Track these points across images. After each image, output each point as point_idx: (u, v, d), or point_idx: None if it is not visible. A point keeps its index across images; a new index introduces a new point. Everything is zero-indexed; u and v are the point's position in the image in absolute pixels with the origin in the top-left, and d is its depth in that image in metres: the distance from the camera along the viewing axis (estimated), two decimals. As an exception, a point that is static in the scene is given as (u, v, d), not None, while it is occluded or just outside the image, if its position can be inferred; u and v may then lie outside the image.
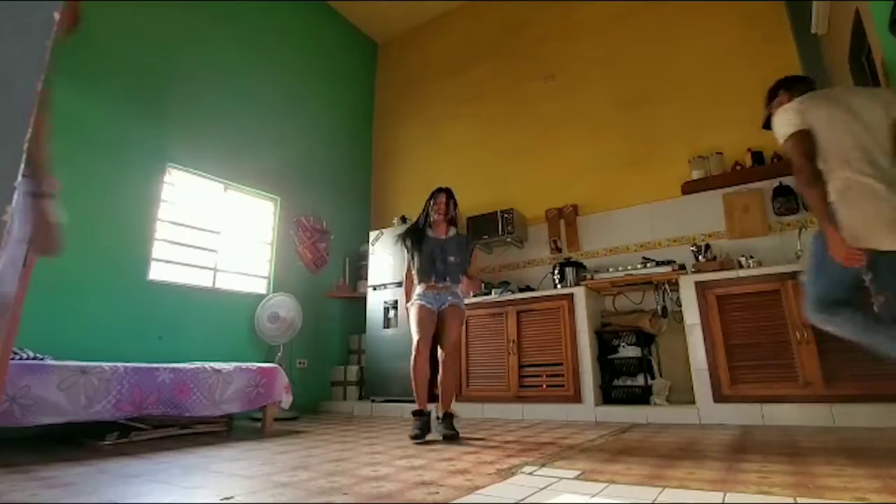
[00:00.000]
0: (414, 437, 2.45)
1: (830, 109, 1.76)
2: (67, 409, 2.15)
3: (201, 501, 1.35)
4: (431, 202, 2.93)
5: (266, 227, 4.50)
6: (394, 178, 5.55)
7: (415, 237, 2.89)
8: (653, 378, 3.31)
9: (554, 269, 3.89)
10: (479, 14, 5.41)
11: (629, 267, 3.53)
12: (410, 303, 2.80)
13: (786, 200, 3.34)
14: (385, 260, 4.42)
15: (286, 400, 3.11)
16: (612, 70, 4.34)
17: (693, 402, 2.91)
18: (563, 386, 3.31)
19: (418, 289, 2.80)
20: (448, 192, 2.96)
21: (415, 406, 2.62)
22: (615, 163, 4.10)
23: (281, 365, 3.40)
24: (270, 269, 4.40)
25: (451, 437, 2.45)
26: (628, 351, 3.31)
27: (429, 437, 2.48)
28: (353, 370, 4.51)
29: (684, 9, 4.09)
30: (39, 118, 2.01)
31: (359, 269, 4.97)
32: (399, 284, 4.22)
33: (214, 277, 3.94)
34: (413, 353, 2.62)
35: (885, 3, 1.65)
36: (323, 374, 4.58)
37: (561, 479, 1.51)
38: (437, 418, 2.61)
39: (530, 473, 1.61)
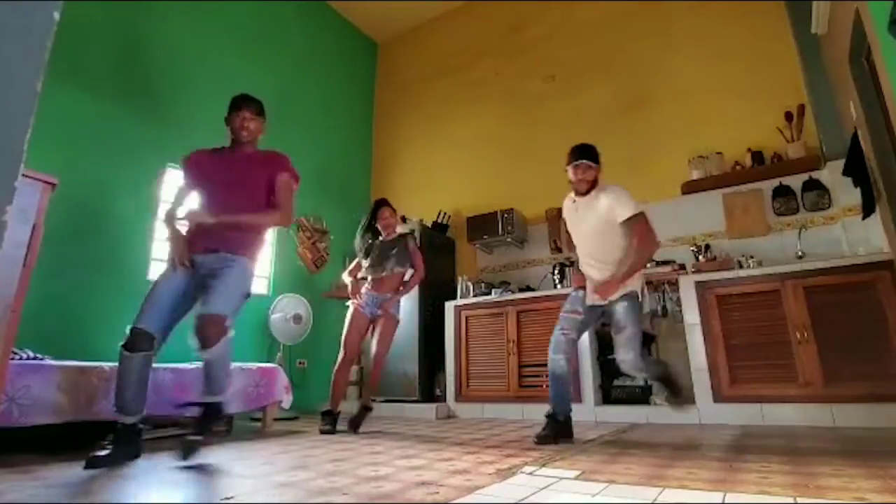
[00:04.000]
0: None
1: None
2: (67, 409, 2.15)
3: (201, 502, 1.35)
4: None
5: (266, 227, 4.50)
6: (394, 177, 5.55)
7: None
8: (653, 378, 3.31)
9: (554, 269, 3.89)
10: (479, 14, 5.41)
11: (629, 267, 3.53)
12: None
13: (786, 200, 3.35)
14: (385, 260, 4.41)
15: (286, 400, 3.11)
16: (612, 70, 4.34)
17: (693, 402, 2.91)
18: (563, 386, 3.30)
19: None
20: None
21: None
22: (615, 162, 4.07)
23: (281, 365, 3.40)
24: (270, 270, 4.40)
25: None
26: (628, 351, 3.31)
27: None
28: (353, 370, 4.50)
29: (684, 9, 4.09)
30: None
31: (359, 269, 4.96)
32: (399, 284, 4.22)
33: (214, 277, 3.94)
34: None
35: (885, 3, 1.64)
36: (323, 374, 4.56)
37: (561, 479, 1.51)
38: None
39: (530, 473, 1.61)
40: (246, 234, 2.07)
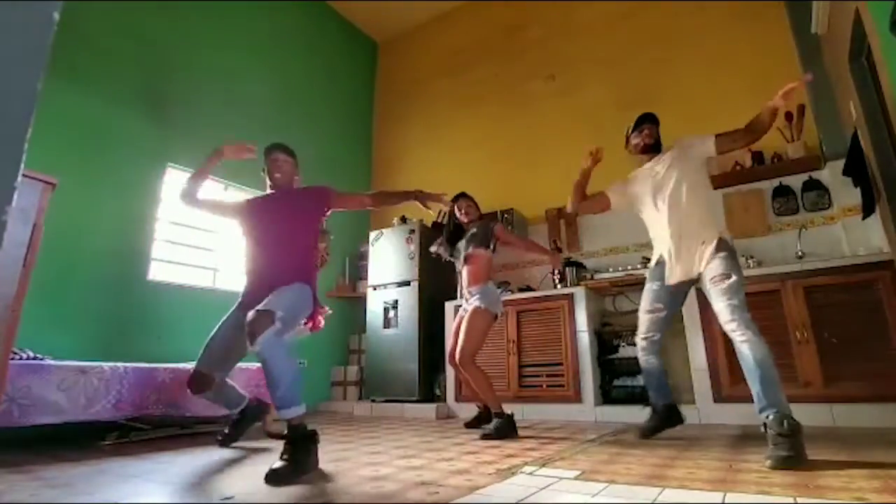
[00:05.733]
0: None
1: None
2: (67, 409, 2.15)
3: (201, 501, 1.35)
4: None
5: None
6: (394, 177, 5.55)
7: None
8: (653, 378, 3.30)
9: (554, 269, 3.89)
10: (480, 14, 5.41)
11: (629, 267, 3.53)
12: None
13: (786, 200, 3.35)
14: (385, 260, 4.42)
15: (286, 400, 3.10)
16: (613, 70, 4.34)
17: (693, 402, 2.91)
18: (563, 386, 3.31)
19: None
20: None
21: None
22: (615, 162, 4.08)
23: (281, 365, 3.39)
24: (270, 269, 4.39)
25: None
26: (628, 351, 3.31)
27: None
28: (353, 370, 4.51)
29: (684, 9, 4.09)
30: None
31: (359, 269, 4.97)
32: (399, 284, 4.22)
33: (214, 277, 3.94)
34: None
35: (885, 3, 1.64)
36: (323, 374, 4.57)
37: (561, 479, 1.51)
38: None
39: (530, 473, 1.61)
40: (291, 264, 2.18)
